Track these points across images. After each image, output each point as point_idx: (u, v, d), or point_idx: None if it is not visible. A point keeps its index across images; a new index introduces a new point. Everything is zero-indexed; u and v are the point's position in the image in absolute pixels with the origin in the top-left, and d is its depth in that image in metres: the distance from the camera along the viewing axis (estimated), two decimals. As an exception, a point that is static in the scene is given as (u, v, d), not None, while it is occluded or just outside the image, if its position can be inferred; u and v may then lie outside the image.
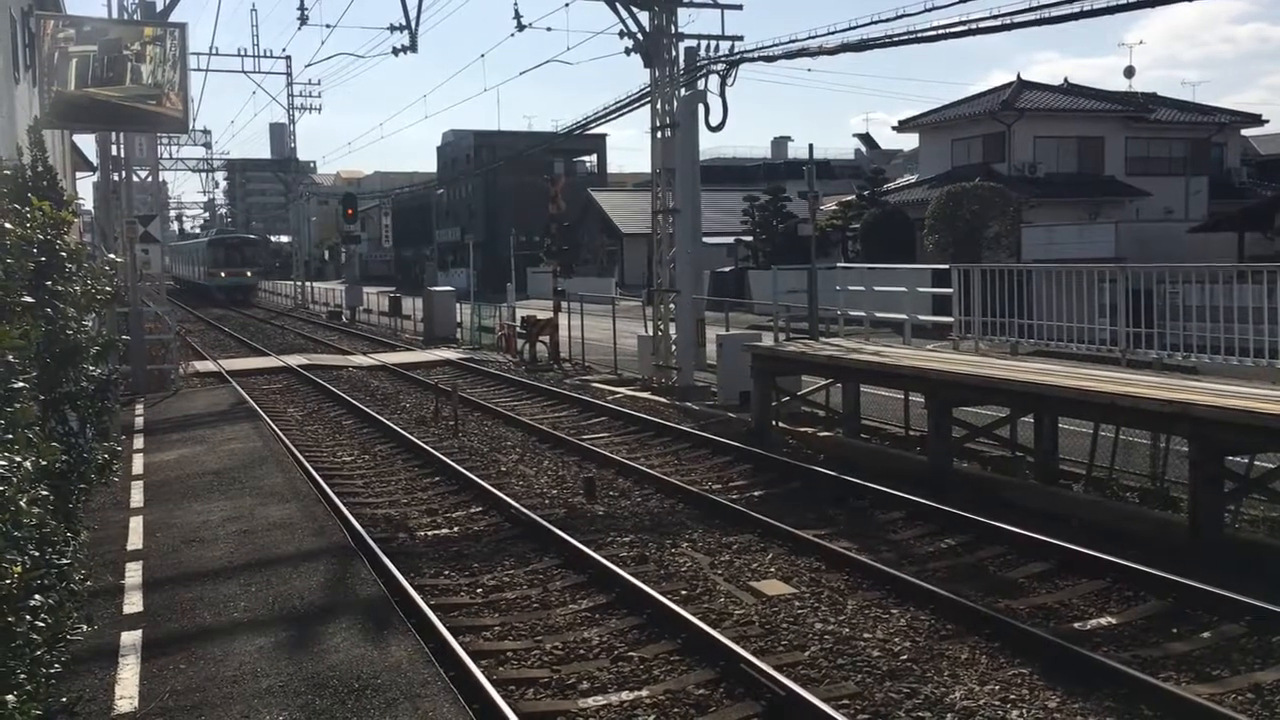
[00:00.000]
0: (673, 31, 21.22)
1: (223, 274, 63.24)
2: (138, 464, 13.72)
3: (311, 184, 76.58)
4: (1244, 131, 49.66)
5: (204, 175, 72.21)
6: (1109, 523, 10.42)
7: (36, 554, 4.71)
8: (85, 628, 6.03)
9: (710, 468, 14.08)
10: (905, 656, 7.51)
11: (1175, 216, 40.17)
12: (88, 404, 7.55)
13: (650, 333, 22.19)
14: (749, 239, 47.97)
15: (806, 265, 20.09)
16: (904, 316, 16.66)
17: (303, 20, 29.92)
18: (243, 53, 48.12)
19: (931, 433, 12.81)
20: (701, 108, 20.97)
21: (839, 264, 27.46)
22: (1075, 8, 13.65)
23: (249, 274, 64.99)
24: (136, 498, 11.85)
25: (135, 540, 10.05)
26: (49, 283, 6.65)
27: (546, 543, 10.54)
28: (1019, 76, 45.51)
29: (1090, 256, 27.02)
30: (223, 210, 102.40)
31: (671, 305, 21.59)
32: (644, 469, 13.64)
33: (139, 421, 17.43)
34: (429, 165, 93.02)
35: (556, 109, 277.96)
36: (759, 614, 8.48)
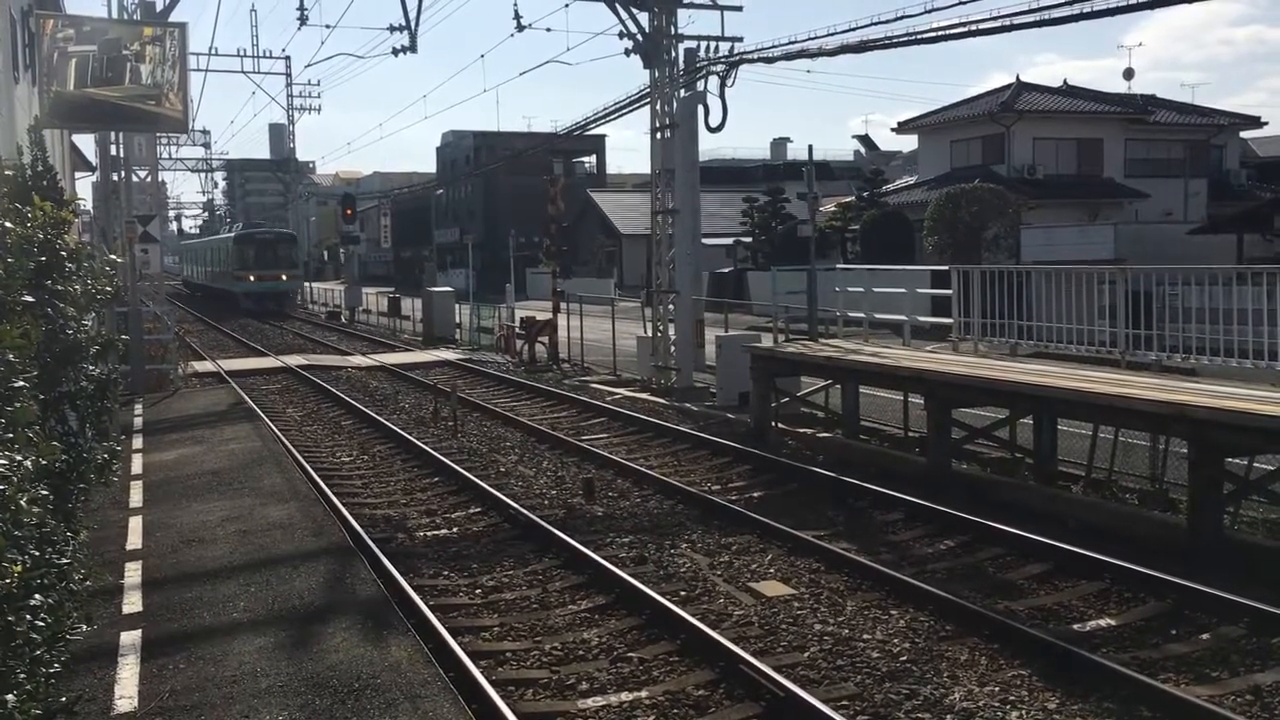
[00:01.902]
0: (672, 32, 21.22)
1: (252, 278, 51.93)
2: (137, 464, 13.72)
3: (310, 184, 76.44)
4: (1243, 134, 49.70)
5: (203, 175, 72.28)
6: (1108, 524, 10.43)
7: (36, 553, 4.71)
8: (85, 627, 6.03)
9: (709, 468, 14.08)
10: (905, 657, 7.51)
11: (1174, 218, 40.21)
12: (87, 403, 7.56)
13: (649, 333, 22.19)
14: (748, 240, 47.96)
15: (805, 266, 20.13)
16: (903, 318, 16.67)
17: (302, 20, 29.94)
18: (242, 53, 48.21)
19: (931, 434, 12.82)
20: (701, 108, 20.98)
21: (838, 265, 27.46)
22: (1075, 9, 13.66)
23: (284, 277, 53.31)
24: (135, 498, 11.85)
25: (134, 540, 10.05)
26: (49, 282, 6.66)
27: (546, 543, 10.54)
28: (1018, 78, 45.51)
29: (1089, 258, 27.02)
30: (221, 210, 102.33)
31: (670, 306, 21.59)
32: (643, 470, 13.64)
33: (138, 421, 17.42)
34: (428, 165, 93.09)
35: (556, 109, 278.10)
36: (758, 615, 8.49)
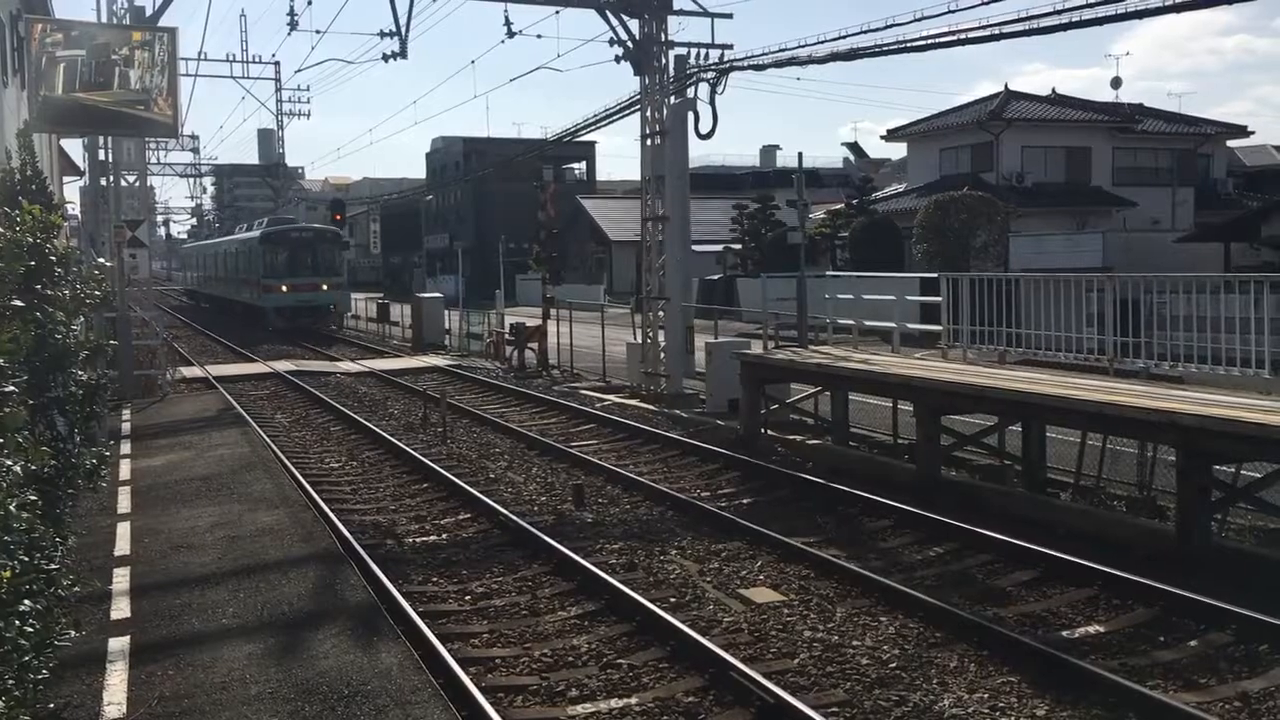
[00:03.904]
0: (663, 40, 21.24)
1: (284, 288, 40.73)
2: (125, 469, 13.66)
3: (300, 190, 76.23)
4: (1230, 143, 49.98)
5: (192, 180, 71.92)
6: (1096, 531, 10.46)
7: (25, 559, 4.70)
8: (73, 633, 6.01)
9: (699, 475, 14.08)
10: (894, 664, 7.52)
11: (1162, 227, 40.41)
12: (76, 409, 7.54)
13: (639, 340, 22.20)
14: (738, 247, 48.05)
15: (795, 273, 20.15)
16: (893, 325, 16.70)
17: (292, 26, 29.67)
18: (231, 58, 47.85)
19: (920, 441, 12.84)
20: (691, 115, 20.99)
21: (828, 272, 27.56)
22: (1063, 19, 13.71)
23: (325, 287, 41.50)
24: (124, 503, 11.80)
25: (123, 546, 10.01)
26: (39, 286, 6.64)
27: (535, 550, 10.53)
28: (1006, 86, 45.73)
29: (1077, 266, 27.14)
30: (210, 216, 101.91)
31: (660, 313, 21.60)
32: (633, 476, 13.63)
33: (126, 427, 17.35)
34: (418, 171, 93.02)
35: (546, 116, 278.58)
36: (748, 621, 8.49)
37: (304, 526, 10.57)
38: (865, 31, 16.66)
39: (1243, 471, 10.56)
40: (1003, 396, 11.66)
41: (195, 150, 62.90)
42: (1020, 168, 42.24)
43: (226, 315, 48.78)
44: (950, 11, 14.80)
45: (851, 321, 17.60)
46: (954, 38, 15.23)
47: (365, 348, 34.58)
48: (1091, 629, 8.18)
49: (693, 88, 20.94)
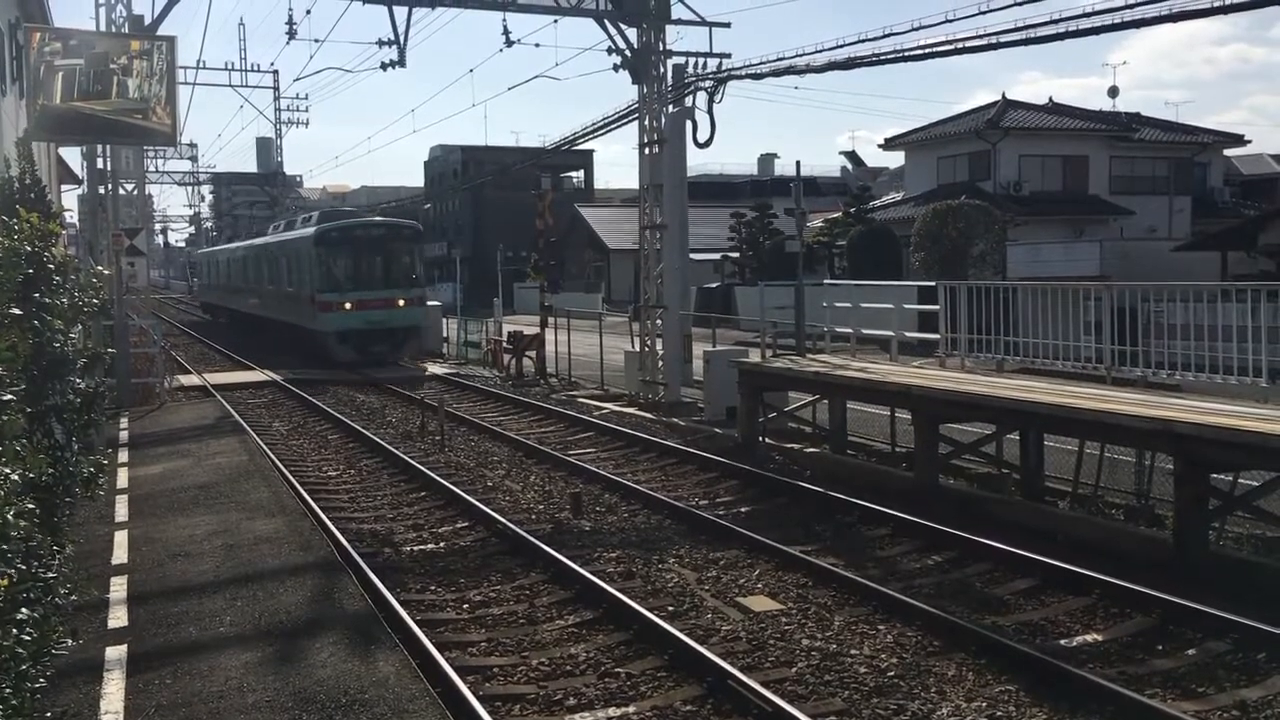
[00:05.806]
0: (661, 49, 21.29)
1: (348, 304, 29.25)
2: (122, 478, 13.65)
3: (298, 198, 76.12)
4: (1226, 151, 50.04)
5: (190, 189, 71.89)
6: (1094, 539, 10.46)
7: (22, 567, 4.69)
8: (70, 642, 5.99)
9: (697, 483, 14.08)
10: (892, 673, 7.52)
11: (1159, 235, 40.46)
12: (74, 416, 7.54)
13: (637, 348, 22.21)
14: (736, 255, 48.09)
15: (793, 282, 20.17)
16: (890, 333, 16.72)
17: (291, 35, 29.73)
18: (230, 66, 47.85)
19: (918, 449, 12.85)
20: (689, 124, 21.04)
21: (825, 280, 27.56)
22: (1060, 28, 13.76)
23: (402, 302, 30.11)
24: (121, 511, 11.79)
25: (120, 554, 10.00)
26: (37, 294, 6.64)
27: (533, 558, 10.52)
28: (1004, 95, 45.79)
29: (1075, 274, 27.15)
30: (208, 224, 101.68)
31: (658, 321, 21.61)
32: (630, 484, 13.63)
33: (124, 435, 17.34)
34: (416, 180, 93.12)
35: (544, 124, 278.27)
36: (746, 630, 8.48)
37: (302, 535, 10.56)
38: (863, 41, 16.69)
39: (1240, 480, 10.57)
40: (1000, 405, 11.67)
41: (194, 158, 62.84)
42: (1017, 176, 42.29)
43: (260, 338, 37.98)
44: (947, 21, 14.86)
45: (849, 330, 17.61)
46: (951, 47, 15.28)
47: (363, 356, 34.50)
48: (1090, 637, 8.18)
49: (691, 96, 21.00)
